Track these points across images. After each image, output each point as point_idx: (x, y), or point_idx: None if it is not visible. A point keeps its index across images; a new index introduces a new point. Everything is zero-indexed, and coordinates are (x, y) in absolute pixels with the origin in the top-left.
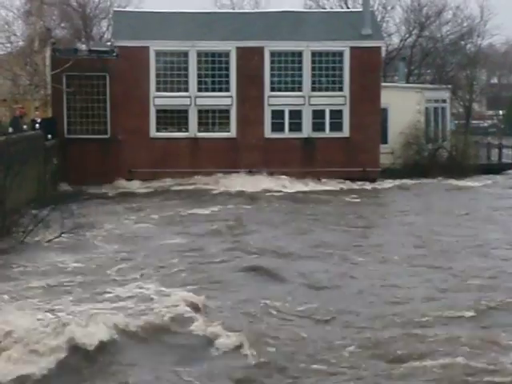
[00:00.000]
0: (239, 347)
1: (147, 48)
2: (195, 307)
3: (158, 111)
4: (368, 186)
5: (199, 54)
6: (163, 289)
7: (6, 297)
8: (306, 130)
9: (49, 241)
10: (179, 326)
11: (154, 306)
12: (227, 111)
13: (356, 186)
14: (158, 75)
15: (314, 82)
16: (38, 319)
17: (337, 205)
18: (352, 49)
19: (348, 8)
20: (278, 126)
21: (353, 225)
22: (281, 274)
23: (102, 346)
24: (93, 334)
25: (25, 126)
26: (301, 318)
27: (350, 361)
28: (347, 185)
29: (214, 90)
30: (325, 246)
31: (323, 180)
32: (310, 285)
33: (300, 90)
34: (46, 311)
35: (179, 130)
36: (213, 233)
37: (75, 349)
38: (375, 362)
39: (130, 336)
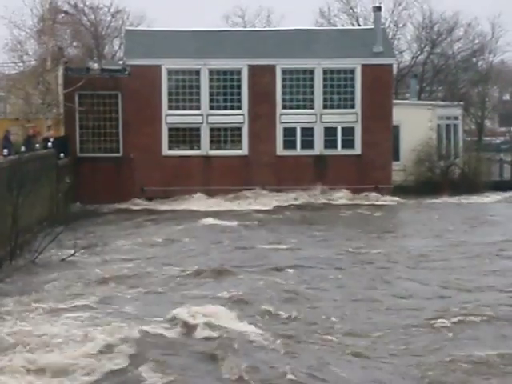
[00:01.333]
0: None
1: (159, 66)
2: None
3: (170, 129)
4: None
5: (211, 72)
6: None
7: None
8: (318, 148)
9: (62, 260)
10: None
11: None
12: (239, 129)
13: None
14: (169, 93)
15: (325, 100)
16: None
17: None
18: (363, 66)
19: (359, 25)
20: (289, 144)
21: None
22: None
23: None
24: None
25: (37, 145)
26: None
27: None
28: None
29: (225, 107)
30: None
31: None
32: None
33: (312, 107)
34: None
35: (191, 148)
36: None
37: None
38: None
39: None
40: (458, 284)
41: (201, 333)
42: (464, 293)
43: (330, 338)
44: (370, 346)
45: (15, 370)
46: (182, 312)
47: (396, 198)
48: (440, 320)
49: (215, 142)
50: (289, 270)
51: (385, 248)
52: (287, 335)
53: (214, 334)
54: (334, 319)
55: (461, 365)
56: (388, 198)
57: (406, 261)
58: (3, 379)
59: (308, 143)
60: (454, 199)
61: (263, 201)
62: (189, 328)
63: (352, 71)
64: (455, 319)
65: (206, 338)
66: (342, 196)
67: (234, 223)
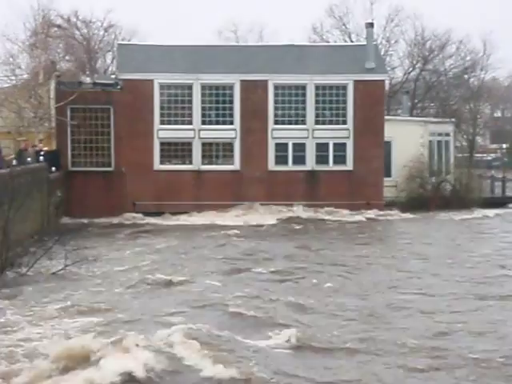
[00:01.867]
0: None
1: (151, 81)
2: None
3: (161, 144)
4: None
5: (203, 87)
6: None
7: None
8: (310, 163)
9: (52, 273)
10: None
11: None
12: (231, 144)
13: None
14: (162, 108)
15: (317, 115)
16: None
17: None
18: (356, 82)
19: (352, 42)
20: (281, 159)
21: None
22: None
23: None
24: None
25: (29, 159)
26: None
27: None
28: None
29: (217, 122)
30: None
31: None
32: None
33: (304, 123)
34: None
35: (183, 163)
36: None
37: None
38: None
39: None
40: None
41: None
42: None
43: None
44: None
45: None
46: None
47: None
48: None
49: (207, 157)
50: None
51: None
52: None
53: None
54: None
55: None
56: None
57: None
58: None
59: (300, 159)
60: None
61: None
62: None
63: (344, 87)
64: None
65: None
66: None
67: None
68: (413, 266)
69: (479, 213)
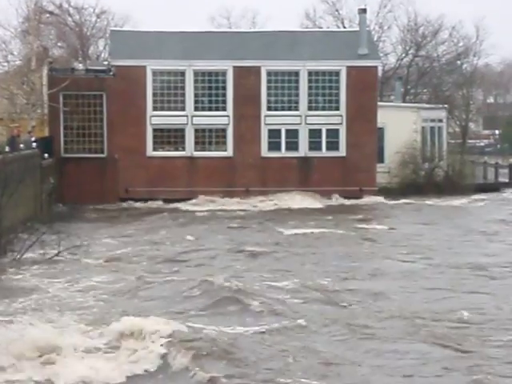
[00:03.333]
0: None
1: (144, 67)
2: None
3: (154, 130)
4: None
5: (196, 74)
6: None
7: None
8: (303, 149)
9: (45, 260)
10: None
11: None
12: (224, 130)
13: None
14: (154, 94)
15: (310, 102)
16: None
17: None
18: (348, 68)
19: (344, 28)
20: (274, 145)
21: None
22: None
23: None
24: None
25: (21, 145)
26: None
27: None
28: None
29: (210, 109)
30: None
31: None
32: None
33: (297, 109)
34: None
35: (176, 149)
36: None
37: None
38: None
39: None
40: None
41: None
42: None
43: None
44: None
45: None
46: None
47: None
48: None
49: (200, 143)
50: None
51: None
52: None
53: None
54: None
55: None
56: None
57: None
58: None
59: (293, 145)
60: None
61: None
62: None
63: (337, 73)
64: None
65: None
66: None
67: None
68: None
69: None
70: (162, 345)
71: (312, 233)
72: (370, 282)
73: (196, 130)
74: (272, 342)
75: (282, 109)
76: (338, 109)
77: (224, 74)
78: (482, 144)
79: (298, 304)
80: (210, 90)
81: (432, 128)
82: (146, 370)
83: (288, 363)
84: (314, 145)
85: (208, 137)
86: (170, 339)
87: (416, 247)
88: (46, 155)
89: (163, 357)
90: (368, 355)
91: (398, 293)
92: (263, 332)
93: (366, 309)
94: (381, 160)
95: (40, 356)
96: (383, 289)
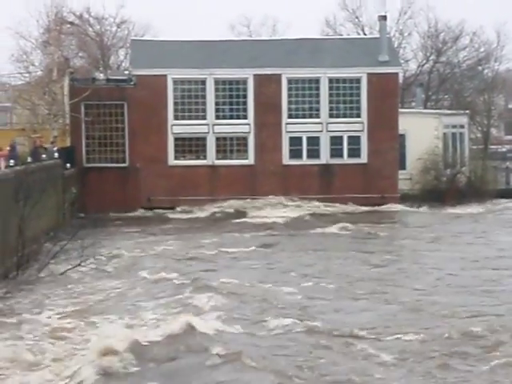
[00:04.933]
0: None
1: (165, 76)
2: None
3: (176, 139)
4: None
5: (217, 82)
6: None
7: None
8: (324, 157)
9: (67, 270)
10: None
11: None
12: (245, 138)
13: None
14: (175, 103)
15: (331, 109)
16: None
17: None
18: (369, 75)
19: (365, 35)
20: (295, 153)
21: None
22: None
23: None
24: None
25: (44, 156)
26: None
27: None
28: None
29: (231, 117)
30: None
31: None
32: None
33: (318, 116)
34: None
35: (197, 158)
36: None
37: None
38: None
39: None
40: None
41: None
42: None
43: None
44: None
45: None
46: None
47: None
48: None
49: (221, 152)
50: None
51: None
52: None
53: None
54: None
55: None
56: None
57: None
58: None
59: (314, 152)
60: None
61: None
62: None
63: (358, 80)
64: None
65: None
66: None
67: None
68: None
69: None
70: None
71: None
72: None
73: (217, 139)
74: None
75: (303, 116)
76: (359, 116)
77: (245, 82)
78: (504, 149)
79: None
80: (231, 99)
81: (454, 134)
82: None
83: None
84: (336, 152)
85: (229, 145)
86: None
87: None
88: (68, 165)
89: None
90: None
91: None
92: None
93: None
94: (402, 167)
95: None
96: None
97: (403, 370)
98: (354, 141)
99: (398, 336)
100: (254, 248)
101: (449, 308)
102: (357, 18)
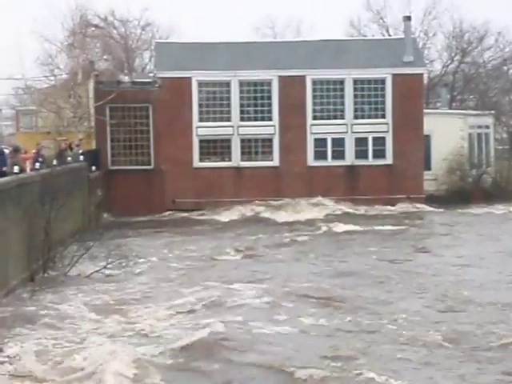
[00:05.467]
0: None
1: (189, 78)
2: None
3: (200, 141)
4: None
5: (241, 84)
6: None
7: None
8: (349, 158)
9: (93, 273)
10: None
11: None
12: (270, 140)
13: None
14: (200, 105)
15: (356, 110)
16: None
17: None
18: (394, 76)
19: (389, 35)
20: (320, 154)
21: None
22: None
23: None
24: None
25: (69, 158)
26: None
27: None
28: None
29: (256, 119)
30: None
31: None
32: None
33: (342, 117)
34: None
35: (222, 160)
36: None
37: None
38: None
39: None
40: None
41: None
42: None
43: None
44: None
45: None
46: None
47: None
48: None
49: (246, 154)
50: None
51: None
52: None
53: None
54: None
55: None
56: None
57: None
58: None
59: (339, 153)
60: None
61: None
62: None
63: (383, 81)
64: None
65: None
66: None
67: None
68: None
69: None
70: None
71: None
72: None
73: (242, 141)
74: None
75: (328, 118)
76: (384, 117)
77: (269, 83)
78: None
79: None
80: (256, 100)
81: (479, 134)
82: None
83: None
84: (361, 153)
85: (254, 147)
86: None
87: None
88: (94, 168)
89: None
90: None
91: None
92: None
93: None
94: (428, 167)
95: None
96: None
97: None
98: (379, 142)
99: None
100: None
101: None
102: (381, 18)
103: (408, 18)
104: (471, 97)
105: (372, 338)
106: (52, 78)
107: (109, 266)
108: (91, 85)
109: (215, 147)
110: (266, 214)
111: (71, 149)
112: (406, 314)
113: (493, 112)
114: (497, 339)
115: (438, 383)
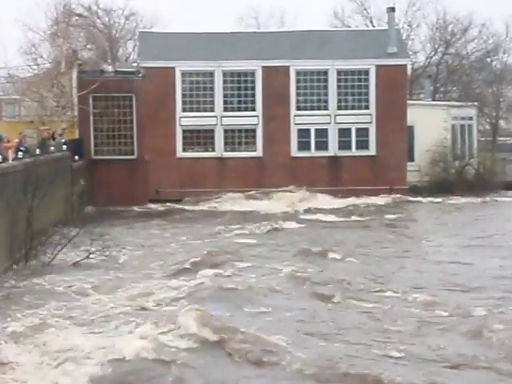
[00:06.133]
0: None
1: (173, 68)
2: None
3: (184, 131)
4: None
5: (225, 74)
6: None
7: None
8: (333, 149)
9: (76, 262)
10: None
11: None
12: (253, 130)
13: None
14: (183, 95)
15: (339, 101)
16: None
17: None
18: (378, 67)
19: (373, 26)
20: (304, 145)
21: None
22: None
23: None
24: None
25: (52, 148)
26: None
27: None
28: None
29: (239, 109)
30: None
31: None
32: None
33: (326, 108)
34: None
35: (206, 150)
36: None
37: None
38: None
39: None
40: None
41: None
42: None
43: None
44: None
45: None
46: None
47: None
48: None
49: (229, 144)
50: None
51: None
52: None
53: None
54: None
55: None
56: None
57: None
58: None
59: (322, 144)
60: None
61: None
62: None
63: (366, 72)
64: None
65: None
66: None
67: None
68: None
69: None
70: None
71: None
72: None
73: (225, 131)
74: None
75: (312, 108)
76: (367, 108)
77: (253, 74)
78: None
79: None
80: (239, 91)
81: (462, 126)
82: None
83: None
84: (344, 144)
85: (237, 137)
86: None
87: None
88: (77, 157)
89: None
90: None
91: None
92: None
93: None
94: (411, 158)
95: None
96: None
97: None
98: (363, 133)
99: None
100: None
101: None
102: (365, 9)
103: (392, 9)
104: (454, 88)
105: None
106: (35, 67)
107: (91, 255)
108: (74, 74)
109: (198, 137)
110: (246, 205)
111: (54, 138)
112: None
113: (476, 104)
114: None
115: None
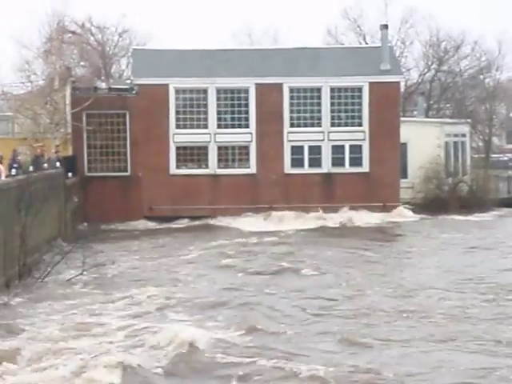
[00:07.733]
0: None
1: (166, 85)
2: None
3: (177, 148)
4: None
5: (218, 91)
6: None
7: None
8: (326, 166)
9: (69, 279)
10: None
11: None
12: (247, 147)
13: None
14: (177, 112)
15: (333, 118)
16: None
17: None
18: (371, 84)
19: (366, 43)
20: (297, 162)
21: None
22: None
23: None
24: None
25: (45, 165)
26: None
27: None
28: None
29: (233, 126)
30: None
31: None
32: None
33: (319, 125)
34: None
35: (199, 167)
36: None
37: None
38: None
39: None
40: None
41: None
42: None
43: None
44: None
45: None
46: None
47: None
48: None
49: (223, 161)
50: None
51: None
52: None
53: None
54: None
55: None
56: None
57: None
58: None
59: (316, 161)
60: None
61: None
62: None
63: (359, 89)
64: None
65: None
66: None
67: None
68: None
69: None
70: None
71: None
72: None
73: (219, 148)
74: None
75: (305, 125)
76: (360, 125)
77: (246, 91)
78: (506, 158)
79: None
80: (233, 108)
81: (455, 143)
82: None
83: None
84: (337, 161)
85: (231, 154)
86: None
87: None
88: (70, 174)
89: None
90: None
91: None
92: None
93: None
94: (404, 175)
95: None
96: None
97: None
98: (356, 150)
99: None
100: None
101: None
102: (358, 26)
103: (385, 27)
104: (447, 105)
105: None
106: (29, 84)
107: (84, 272)
108: (68, 91)
109: (192, 154)
110: (234, 223)
111: (49, 158)
112: None
113: (469, 121)
114: None
115: None
